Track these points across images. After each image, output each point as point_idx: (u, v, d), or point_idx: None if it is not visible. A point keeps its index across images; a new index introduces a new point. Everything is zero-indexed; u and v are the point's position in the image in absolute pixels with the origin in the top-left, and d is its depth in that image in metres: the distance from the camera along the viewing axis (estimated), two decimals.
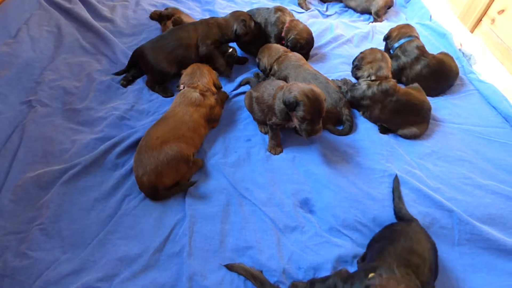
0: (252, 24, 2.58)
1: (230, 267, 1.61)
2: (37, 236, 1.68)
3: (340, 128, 2.27)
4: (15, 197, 1.81)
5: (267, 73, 2.50)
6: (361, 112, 2.36)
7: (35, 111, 2.21)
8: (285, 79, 2.38)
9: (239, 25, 2.52)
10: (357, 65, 2.30)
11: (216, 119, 2.27)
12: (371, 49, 2.30)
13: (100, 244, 1.67)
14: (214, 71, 2.32)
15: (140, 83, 2.57)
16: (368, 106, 2.26)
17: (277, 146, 2.14)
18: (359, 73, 2.27)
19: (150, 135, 1.92)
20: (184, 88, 2.19)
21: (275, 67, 2.44)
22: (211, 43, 2.51)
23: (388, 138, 2.20)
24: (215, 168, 2.03)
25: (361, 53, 2.32)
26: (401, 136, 2.24)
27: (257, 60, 2.54)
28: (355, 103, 2.32)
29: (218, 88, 2.30)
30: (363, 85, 2.23)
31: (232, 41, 2.63)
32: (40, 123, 2.17)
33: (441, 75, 2.54)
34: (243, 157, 2.10)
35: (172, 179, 1.86)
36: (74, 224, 1.75)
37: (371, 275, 1.25)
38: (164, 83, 2.53)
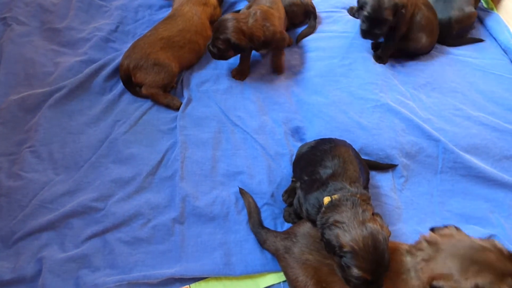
0: None
1: (242, 192, 1.66)
2: (29, 158, 1.69)
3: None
4: (1, 120, 1.78)
5: None
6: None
7: (12, 30, 2.07)
8: None
9: None
10: None
11: (216, 20, 2.20)
12: None
13: (93, 167, 1.70)
14: None
15: None
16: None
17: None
18: None
19: (157, 31, 1.94)
20: None
21: None
22: None
23: (384, 68, 2.15)
24: (206, 95, 1.98)
25: None
26: (404, 49, 2.18)
27: None
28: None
29: None
30: None
31: None
32: (19, 43, 2.04)
33: None
34: (235, 85, 2.05)
35: (143, 79, 1.88)
36: (65, 147, 1.75)
37: (326, 199, 1.25)
38: None
